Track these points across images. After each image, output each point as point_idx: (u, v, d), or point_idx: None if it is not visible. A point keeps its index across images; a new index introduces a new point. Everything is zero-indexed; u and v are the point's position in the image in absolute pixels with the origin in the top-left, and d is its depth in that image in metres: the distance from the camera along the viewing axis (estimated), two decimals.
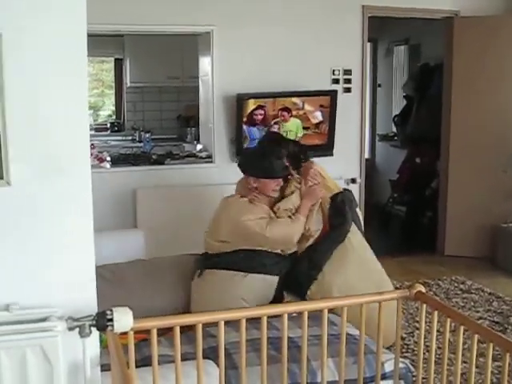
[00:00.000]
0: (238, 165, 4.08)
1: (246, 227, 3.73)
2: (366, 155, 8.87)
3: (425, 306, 2.36)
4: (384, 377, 2.88)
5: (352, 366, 2.78)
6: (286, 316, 2.31)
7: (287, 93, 5.82)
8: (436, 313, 2.31)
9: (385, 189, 8.39)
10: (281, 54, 5.92)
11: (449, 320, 2.23)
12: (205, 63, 6.06)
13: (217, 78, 5.79)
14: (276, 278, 3.78)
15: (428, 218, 7.70)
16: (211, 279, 3.84)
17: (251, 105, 5.68)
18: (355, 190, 6.30)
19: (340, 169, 6.20)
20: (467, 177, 6.45)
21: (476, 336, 2.10)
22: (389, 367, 2.87)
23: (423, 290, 2.42)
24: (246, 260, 3.77)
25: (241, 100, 5.63)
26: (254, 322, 2.48)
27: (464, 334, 2.11)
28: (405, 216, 8.06)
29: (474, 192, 6.45)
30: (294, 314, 3.93)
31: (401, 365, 2.99)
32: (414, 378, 2.91)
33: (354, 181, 6.27)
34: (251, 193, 3.91)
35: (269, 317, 2.80)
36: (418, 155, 7.79)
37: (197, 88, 6.43)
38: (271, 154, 3.86)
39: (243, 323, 2.26)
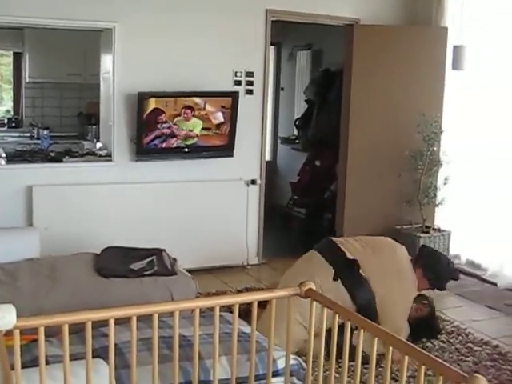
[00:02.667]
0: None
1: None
2: (268, 158, 8.98)
3: (315, 303, 2.40)
4: (277, 374, 2.92)
5: (245, 363, 2.80)
6: (177, 314, 2.29)
7: (189, 93, 5.80)
8: (326, 309, 2.35)
9: (286, 191, 8.49)
10: (184, 54, 5.90)
11: (337, 316, 2.28)
12: (106, 60, 5.96)
13: (118, 75, 5.71)
14: None
15: (327, 219, 7.84)
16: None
17: (152, 104, 5.62)
18: (255, 191, 6.37)
19: (240, 170, 6.25)
20: (365, 180, 6.61)
21: (362, 330, 2.16)
22: (281, 364, 2.90)
23: (314, 287, 2.46)
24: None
25: (142, 99, 5.57)
26: (147, 320, 2.45)
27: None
28: (304, 218, 8.18)
29: (371, 195, 6.61)
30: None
31: (293, 361, 3.04)
32: None
33: (253, 182, 6.33)
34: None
35: (162, 315, 2.79)
36: (317, 158, 7.93)
37: (99, 85, 6.32)
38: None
39: (134, 321, 2.23)
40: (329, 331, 2.28)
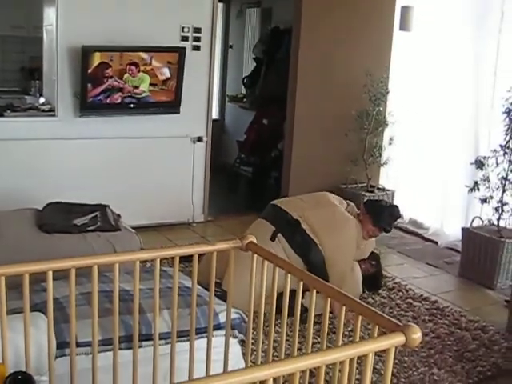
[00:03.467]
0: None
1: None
2: (216, 116, 8.97)
3: (256, 256, 2.41)
4: (219, 327, 2.93)
5: (187, 317, 2.79)
6: (117, 266, 2.27)
7: (135, 47, 5.69)
8: (266, 262, 2.37)
9: (233, 149, 8.48)
10: (130, 8, 5.77)
11: (278, 269, 2.29)
12: (50, 12, 5.79)
13: (61, 28, 5.56)
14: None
15: (274, 178, 7.88)
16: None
17: (97, 58, 5.50)
18: (201, 148, 6.34)
19: (186, 127, 6.20)
20: (311, 139, 6.63)
21: (301, 282, 2.18)
22: (223, 318, 2.91)
23: (255, 240, 2.47)
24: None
25: (86, 52, 5.45)
26: (90, 275, 2.43)
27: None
28: (251, 176, 8.19)
29: (318, 154, 6.64)
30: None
31: (235, 315, 3.06)
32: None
33: (200, 139, 6.28)
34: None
35: (104, 270, 2.77)
36: (265, 117, 7.92)
37: (42, 39, 6.14)
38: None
39: (73, 273, 2.21)
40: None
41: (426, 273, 5.55)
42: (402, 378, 3.73)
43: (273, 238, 4.50)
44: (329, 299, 2.07)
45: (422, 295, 4.96)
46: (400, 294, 4.97)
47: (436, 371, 3.83)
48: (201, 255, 2.57)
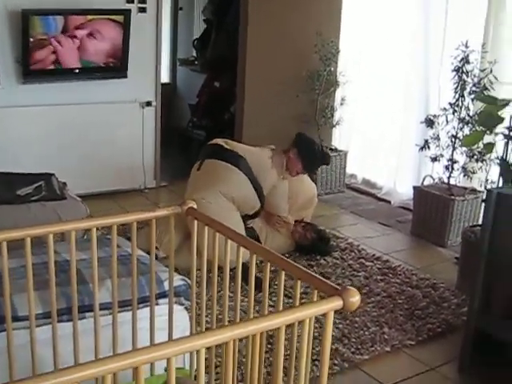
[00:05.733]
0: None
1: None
2: (167, 79, 8.82)
3: (196, 221, 2.35)
4: (164, 295, 2.88)
5: (131, 286, 2.73)
6: (51, 237, 2.19)
7: (78, 10, 5.51)
8: (206, 227, 2.31)
9: (186, 113, 8.36)
10: None
11: (218, 235, 2.24)
12: None
13: None
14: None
15: None
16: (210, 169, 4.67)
17: (38, 22, 5.30)
18: (151, 113, 6.22)
19: (134, 92, 6.08)
20: (263, 101, 6.54)
21: (241, 248, 2.13)
22: (168, 285, 2.85)
23: (195, 206, 2.40)
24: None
25: (26, 16, 5.25)
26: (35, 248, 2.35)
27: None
28: (204, 140, 8.08)
29: (270, 116, 6.56)
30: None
31: (180, 282, 3.01)
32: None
33: (149, 104, 6.16)
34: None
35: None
36: (216, 79, 7.81)
37: None
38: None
39: (4, 246, 2.12)
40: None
41: (378, 232, 5.56)
42: (352, 338, 3.74)
43: (199, 168, 4.76)
44: (268, 263, 2.02)
45: (374, 255, 4.97)
46: (352, 254, 4.97)
47: (387, 330, 3.85)
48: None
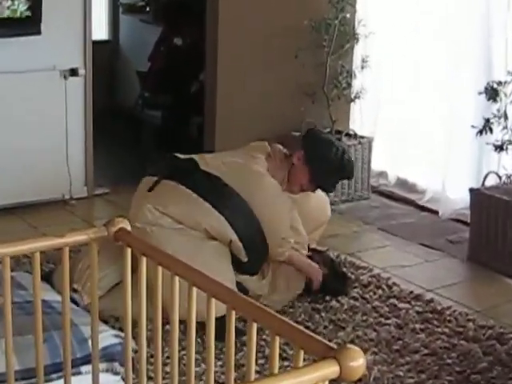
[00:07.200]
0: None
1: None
2: (104, 35, 8.85)
3: (130, 250, 2.36)
4: (89, 359, 2.89)
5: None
6: None
7: None
8: (145, 259, 2.32)
9: (133, 85, 8.39)
10: None
11: (160, 267, 2.26)
12: None
13: None
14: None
15: (196, 125, 7.81)
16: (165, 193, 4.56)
17: None
18: (77, 86, 6.23)
19: (52, 54, 6.10)
20: (245, 65, 6.58)
21: (194, 288, 2.15)
22: (100, 343, 2.87)
23: (128, 227, 2.42)
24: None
25: None
26: None
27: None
28: (161, 124, 8.13)
29: (256, 87, 6.60)
30: None
31: (114, 340, 3.08)
32: None
33: (74, 72, 6.16)
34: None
35: None
36: (177, 34, 7.86)
37: None
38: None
39: None
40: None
41: (419, 258, 5.58)
42: None
43: (152, 188, 4.60)
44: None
45: (411, 292, 4.97)
46: (379, 291, 4.98)
47: None
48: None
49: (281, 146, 4.94)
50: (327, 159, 4.77)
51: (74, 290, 4.03)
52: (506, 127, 5.38)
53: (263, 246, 4.61)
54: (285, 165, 4.78)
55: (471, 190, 5.66)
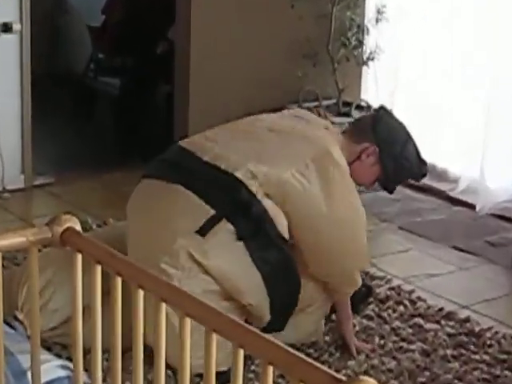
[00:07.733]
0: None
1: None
2: None
3: (80, 256, 2.37)
4: None
5: None
6: None
7: None
8: (99, 267, 2.34)
9: (82, 44, 8.39)
10: None
11: (119, 278, 2.27)
12: None
13: None
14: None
15: (165, 96, 7.82)
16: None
17: None
18: (11, 46, 6.25)
19: None
20: (227, 19, 6.59)
21: (164, 304, 2.17)
22: (44, 376, 2.88)
23: (78, 227, 2.42)
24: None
25: None
26: None
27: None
28: (119, 94, 8.15)
29: (241, 48, 6.62)
30: None
31: (60, 372, 3.07)
32: None
33: (7, 29, 6.18)
34: None
35: None
36: None
37: None
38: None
39: None
40: None
41: (451, 265, 5.61)
42: None
43: (204, 231, 4.14)
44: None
45: (441, 309, 5.00)
46: (400, 308, 5.00)
47: None
48: None
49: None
50: (407, 159, 4.68)
51: (15, 318, 4.02)
52: None
53: (292, 297, 4.33)
54: (350, 155, 4.56)
55: None
